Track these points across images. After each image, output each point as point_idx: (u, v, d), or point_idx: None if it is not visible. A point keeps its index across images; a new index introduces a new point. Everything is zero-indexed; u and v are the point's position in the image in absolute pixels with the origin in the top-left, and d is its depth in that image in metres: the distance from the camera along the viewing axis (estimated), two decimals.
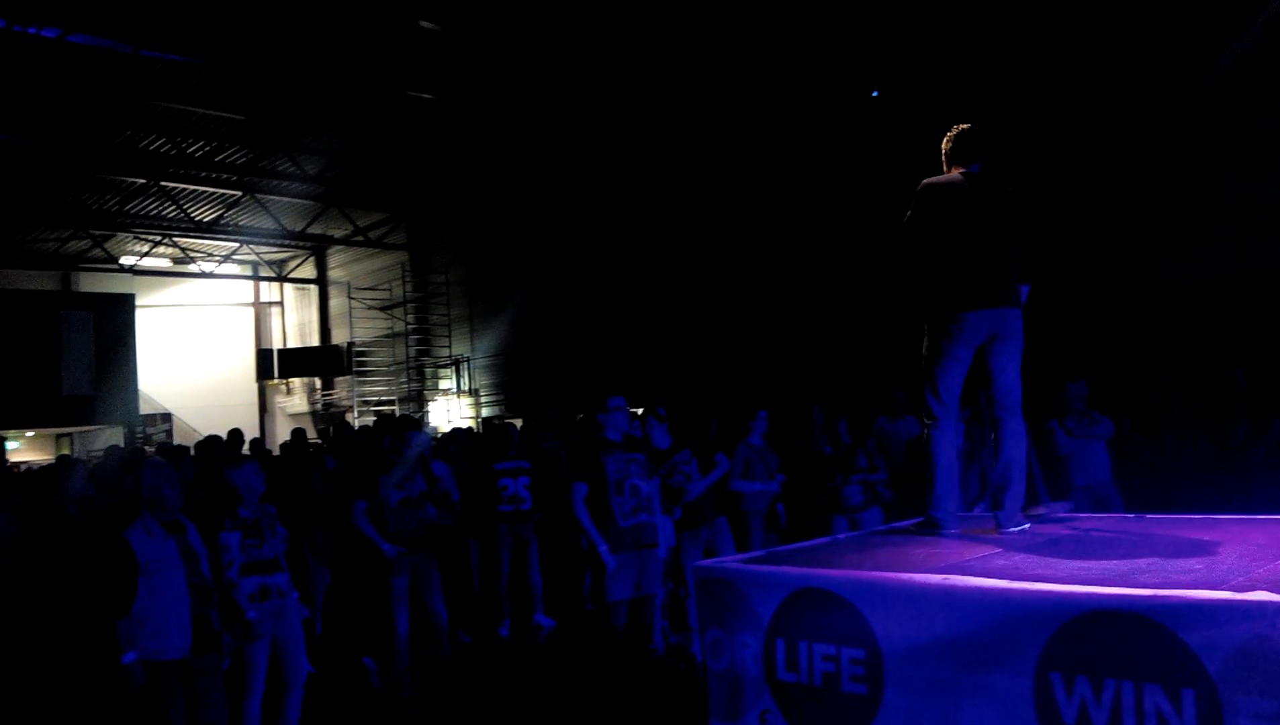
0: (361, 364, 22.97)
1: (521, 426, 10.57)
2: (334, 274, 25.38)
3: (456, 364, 20.98)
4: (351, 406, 22.52)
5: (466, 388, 20.76)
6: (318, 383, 25.18)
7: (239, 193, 20.65)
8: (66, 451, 20.60)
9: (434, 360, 21.71)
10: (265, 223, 22.29)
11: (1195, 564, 3.01)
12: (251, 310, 27.54)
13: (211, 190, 20.45)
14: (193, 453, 9.82)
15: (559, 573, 8.95)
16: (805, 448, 8.72)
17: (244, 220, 22.48)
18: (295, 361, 24.47)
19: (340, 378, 24.10)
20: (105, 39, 13.43)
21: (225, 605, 5.02)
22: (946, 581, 2.84)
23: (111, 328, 20.68)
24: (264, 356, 25.06)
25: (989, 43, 10.90)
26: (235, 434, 10.40)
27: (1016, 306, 4.21)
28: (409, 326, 22.02)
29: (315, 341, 25.49)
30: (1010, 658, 2.62)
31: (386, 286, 22.62)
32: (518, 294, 18.70)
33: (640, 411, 7.66)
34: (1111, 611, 2.46)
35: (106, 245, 22.70)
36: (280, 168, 19.29)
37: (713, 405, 10.63)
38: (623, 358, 15.70)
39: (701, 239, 14.45)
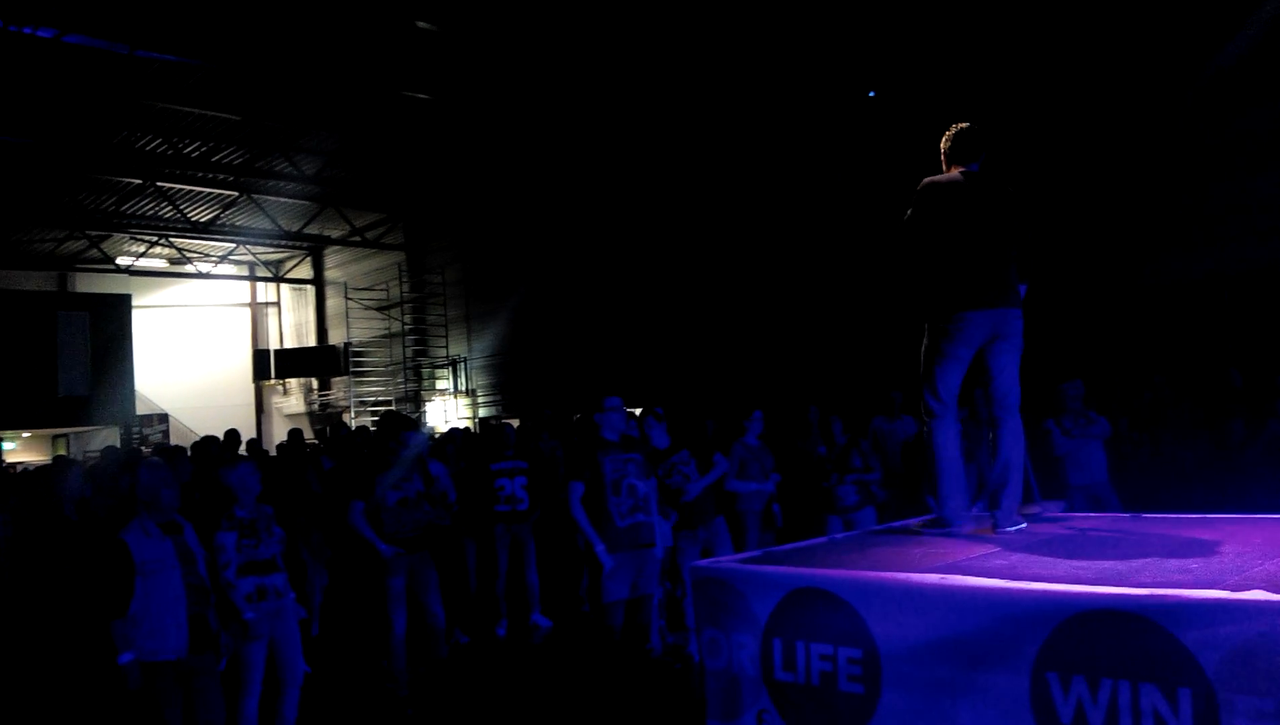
0: (358, 364, 22.95)
1: (518, 427, 10.57)
2: (331, 274, 25.35)
3: (453, 364, 20.97)
4: (348, 407, 22.50)
5: (463, 388, 20.75)
6: (314, 383, 25.16)
7: (235, 193, 20.62)
8: (63, 452, 20.57)
9: (431, 361, 21.70)
10: (262, 223, 22.26)
11: (1192, 563, 3.01)
12: (248, 310, 27.51)
13: (208, 191, 20.42)
14: (189, 453, 9.81)
15: (556, 573, 8.95)
16: (801, 448, 8.73)
17: (241, 221, 22.45)
18: (292, 362, 24.44)
19: (337, 378, 24.07)
20: (101, 39, 13.41)
21: (223, 606, 5.02)
22: (944, 581, 2.85)
23: (108, 328, 20.64)
24: (261, 357, 25.02)
25: (986, 43, 10.91)
26: (232, 434, 10.39)
27: (1017, 306, 4.21)
28: (406, 327, 22.01)
29: (312, 342, 25.45)
30: (1007, 657, 2.62)
31: (383, 287, 22.61)
32: (515, 294, 18.69)
33: (639, 412, 7.66)
34: (1108, 611, 2.46)
35: (103, 246, 22.67)
36: (277, 168, 19.27)
37: (710, 405, 10.64)
38: (620, 358, 15.70)
39: (698, 239, 14.45)
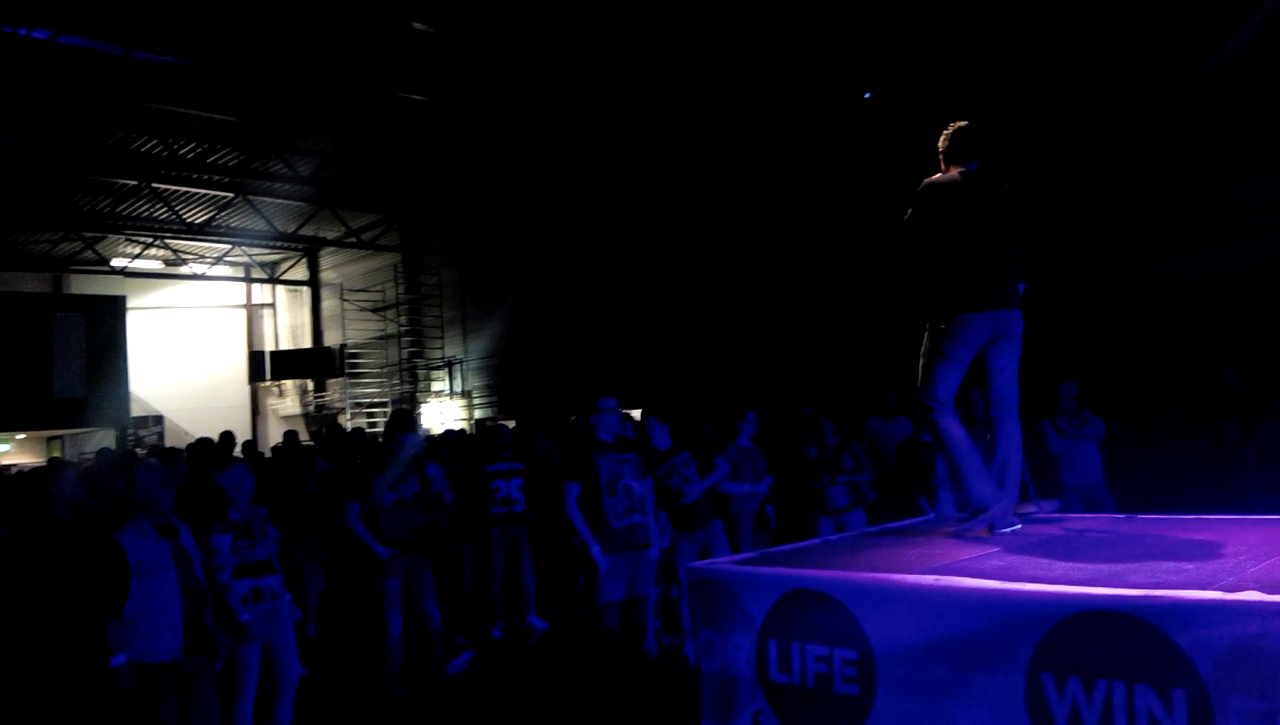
0: (354, 366, 22.92)
1: (514, 428, 10.56)
2: (326, 276, 25.32)
3: (449, 366, 20.96)
4: (344, 408, 22.47)
5: (459, 390, 20.74)
6: (310, 385, 25.12)
7: (231, 194, 20.59)
8: (58, 454, 20.54)
9: (426, 362, 21.68)
10: (257, 224, 22.22)
11: (1186, 564, 3.01)
12: (243, 312, 27.45)
13: (203, 192, 20.39)
14: (184, 455, 9.80)
15: (552, 575, 8.95)
16: (795, 449, 8.74)
17: (236, 222, 22.42)
18: (287, 363, 24.40)
19: (332, 380, 24.04)
20: (96, 40, 13.38)
21: (218, 608, 5.01)
22: (939, 582, 2.85)
23: (103, 330, 20.62)
24: (256, 358, 24.99)
25: (981, 45, 10.92)
26: (226, 436, 10.39)
27: (1018, 307, 4.21)
28: (401, 328, 21.99)
29: (307, 343, 25.42)
30: (1002, 658, 2.63)
31: (379, 288, 22.58)
32: (510, 296, 18.68)
33: (638, 413, 7.66)
34: (1103, 612, 2.46)
35: (98, 247, 22.62)
36: (272, 169, 19.25)
37: (705, 406, 10.63)
38: (615, 359, 15.70)
39: (693, 240, 14.46)
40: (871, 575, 3.13)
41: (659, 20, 12.50)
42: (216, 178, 19.50)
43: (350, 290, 23.08)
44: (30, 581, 5.90)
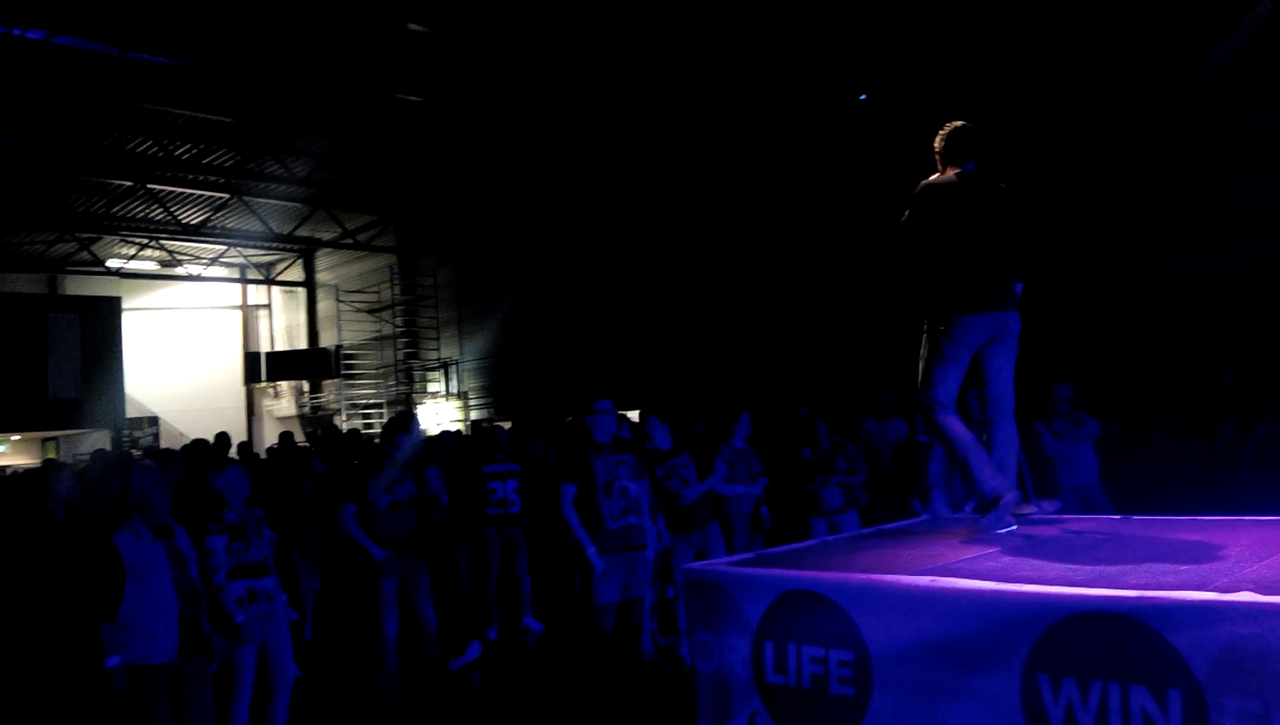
0: (350, 367, 22.90)
1: (510, 429, 10.56)
2: (322, 277, 25.30)
3: (445, 367, 20.95)
4: (340, 410, 22.45)
5: (455, 391, 20.73)
6: (305, 386, 25.10)
7: (226, 195, 20.58)
8: (52, 455, 20.48)
9: (422, 363, 21.67)
10: (253, 225, 22.21)
11: (1181, 565, 3.02)
12: (239, 313, 27.43)
13: (199, 193, 20.38)
14: (179, 456, 9.78)
15: (548, 576, 8.95)
16: (791, 450, 8.74)
17: (231, 223, 22.40)
18: (283, 364, 24.38)
19: (328, 381, 24.03)
20: (92, 41, 13.37)
21: (214, 609, 5.00)
22: (934, 583, 2.85)
23: (98, 331, 20.57)
24: (252, 359, 24.95)
25: (976, 47, 10.94)
26: (222, 437, 10.37)
27: (1015, 309, 4.21)
28: (397, 329, 21.98)
29: (303, 344, 25.40)
30: (998, 659, 2.63)
31: (375, 289, 22.57)
32: (506, 297, 18.69)
33: (634, 414, 7.66)
34: (1098, 613, 2.47)
35: (93, 248, 22.59)
36: (268, 170, 19.24)
37: (701, 407, 10.64)
38: (611, 360, 15.70)
39: (689, 241, 14.46)
40: (867, 576, 3.12)
41: (656, 21, 12.51)
42: (212, 179, 19.49)
43: (346, 291, 23.06)
44: (24, 583, 5.89)
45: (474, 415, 19.93)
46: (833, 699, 3.00)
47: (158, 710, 4.60)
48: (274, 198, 20.90)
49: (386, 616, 6.58)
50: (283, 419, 24.81)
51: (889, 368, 8.41)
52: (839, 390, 11.27)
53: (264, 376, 24.51)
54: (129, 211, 20.98)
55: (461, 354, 20.61)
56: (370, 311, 22.69)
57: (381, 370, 22.59)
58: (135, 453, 15.14)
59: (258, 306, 27.52)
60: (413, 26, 13.21)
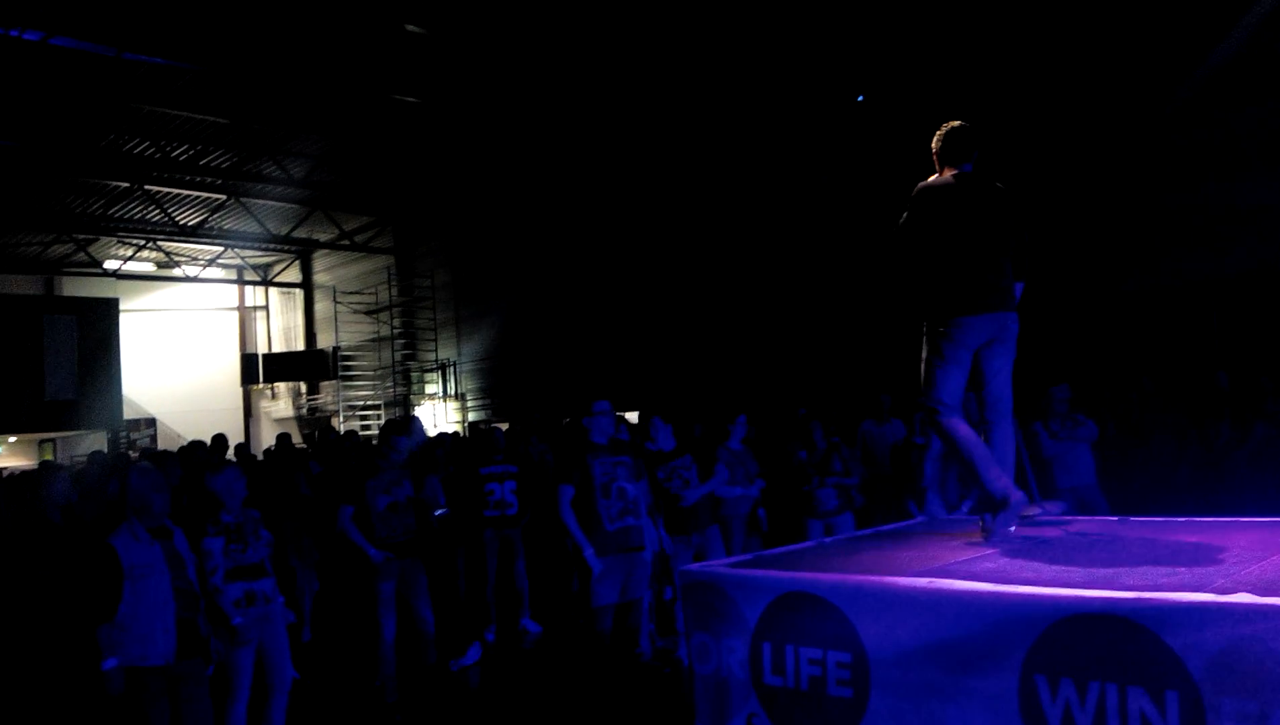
0: (347, 368, 22.89)
1: (508, 430, 10.55)
2: (319, 278, 25.28)
3: (443, 368, 20.93)
4: (337, 411, 22.44)
5: (453, 392, 20.72)
6: (303, 387, 25.09)
7: (224, 196, 20.56)
8: (49, 457, 20.46)
9: (420, 364, 21.66)
10: (250, 226, 22.20)
11: (1179, 566, 3.02)
12: (236, 314, 27.42)
13: (196, 194, 20.36)
14: (177, 458, 9.77)
15: (546, 577, 8.94)
16: (788, 451, 8.74)
17: (229, 224, 22.38)
18: (280, 366, 24.36)
19: (326, 382, 24.01)
20: (89, 42, 13.35)
21: (211, 611, 5.00)
22: (932, 585, 2.85)
23: (95, 332, 20.56)
24: (249, 361, 24.93)
25: (974, 47, 10.94)
26: (219, 439, 10.35)
27: (1014, 310, 4.21)
28: (395, 330, 21.97)
29: (300, 346, 25.38)
30: (995, 660, 2.63)
31: (372, 290, 22.55)
32: (504, 298, 18.69)
33: (632, 415, 7.66)
34: (1096, 615, 2.47)
35: (90, 249, 22.57)
36: (265, 171, 19.22)
37: (699, 409, 10.64)
38: (609, 362, 15.70)
39: (686, 242, 14.47)
40: (865, 578, 3.12)
41: (653, 23, 12.51)
42: (209, 180, 19.47)
43: (343, 292, 23.04)
44: (21, 585, 5.88)
45: (472, 416, 19.93)
46: (831, 700, 3.00)
47: (155, 712, 4.60)
48: (271, 199, 20.88)
49: (384, 618, 6.57)
50: (280, 420, 24.79)
51: (887, 369, 8.42)
52: (837, 391, 11.27)
53: (261, 378, 24.49)
54: (126, 213, 20.95)
55: (459, 355, 20.61)
56: (368, 313, 22.67)
57: (379, 371, 22.58)
58: (132, 454, 15.13)
59: (255, 308, 27.51)
60: (410, 28, 13.20)
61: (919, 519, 5.25)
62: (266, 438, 22.39)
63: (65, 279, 23.76)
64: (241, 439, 22.73)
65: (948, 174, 4.29)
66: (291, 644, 5.53)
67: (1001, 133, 9.60)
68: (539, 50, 13.57)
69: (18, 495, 7.07)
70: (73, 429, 20.87)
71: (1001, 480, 4.03)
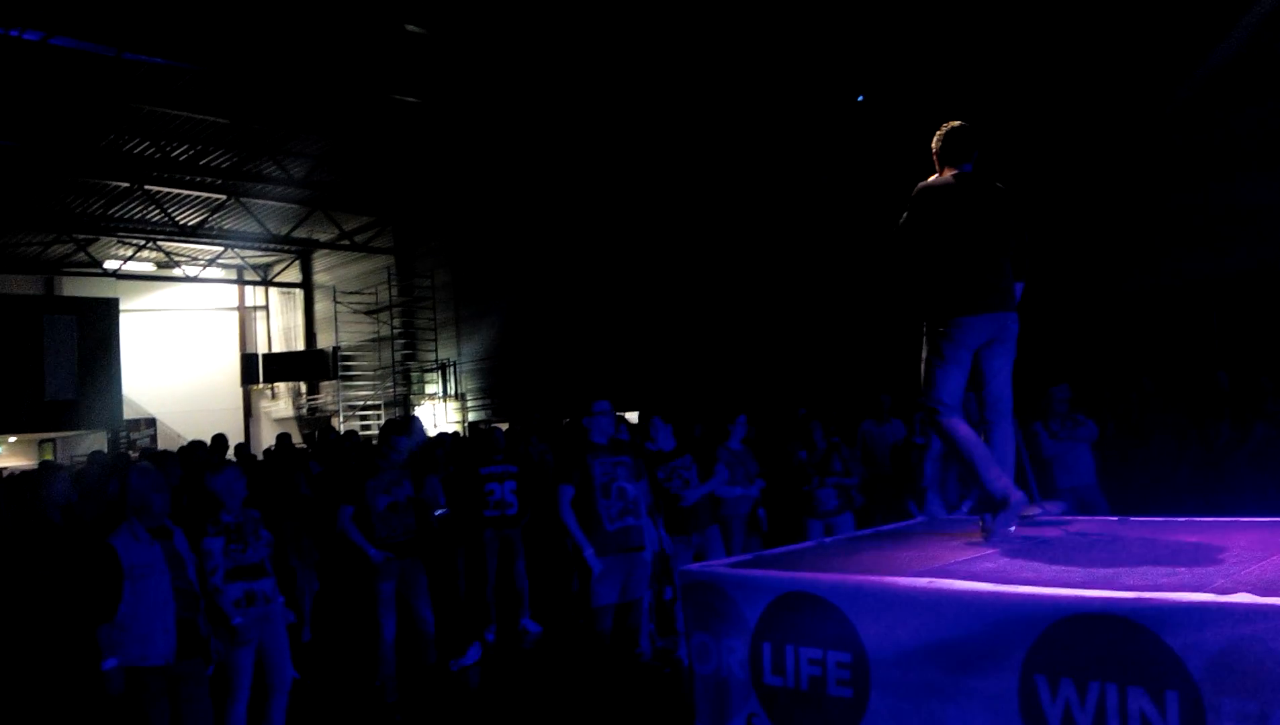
0: (347, 368, 22.89)
1: (508, 431, 10.55)
2: (319, 278, 25.28)
3: (443, 368, 20.93)
4: (337, 411, 22.44)
5: (453, 392, 20.72)
6: (303, 387, 25.08)
7: (224, 196, 20.56)
8: (49, 457, 20.46)
9: (420, 364, 21.66)
10: (250, 226, 22.20)
11: (1179, 566, 3.02)
12: (236, 314, 27.42)
13: (196, 194, 20.36)
14: (177, 458, 9.77)
15: (546, 577, 8.94)
16: (788, 451, 8.74)
17: (229, 224, 22.38)
18: (280, 366, 24.36)
19: (326, 382, 24.01)
20: (89, 42, 13.35)
21: (211, 611, 5.00)
22: (932, 585, 2.85)
23: (95, 332, 20.56)
24: (249, 361, 24.93)
25: (974, 47, 10.94)
26: (219, 439, 10.35)
27: (1014, 310, 4.21)
28: (395, 330, 21.96)
29: (300, 346, 25.38)
30: (995, 660, 2.63)
31: (372, 290, 22.55)
32: (504, 298, 18.69)
33: (632, 415, 7.66)
34: (1096, 615, 2.47)
35: (90, 249, 22.57)
36: (265, 171, 19.22)
37: (698, 409, 10.64)
38: (609, 362, 15.70)
39: (686, 243, 14.46)
40: (865, 578, 3.12)
41: (653, 23, 12.51)
42: (209, 180, 19.47)
43: (343, 292, 23.04)
44: (21, 585, 5.88)
45: (472, 416, 19.93)
46: (831, 700, 3.00)
47: (155, 712, 4.60)
48: (271, 199, 20.88)
49: (384, 618, 6.58)
50: (280, 420, 24.79)
51: (887, 369, 8.42)
52: (837, 391, 11.27)
53: (261, 378, 24.49)
54: (126, 213, 20.95)
55: (459, 355, 20.61)
56: (368, 313, 22.67)
57: (379, 371, 22.57)
58: (132, 454, 15.13)
59: (255, 308, 27.51)
60: (410, 28, 13.20)
61: (919, 519, 5.25)
62: (266, 438, 22.39)
63: (65, 279, 23.76)
64: (241, 439, 22.73)
65: (948, 174, 4.29)
66: (291, 644, 5.53)
67: (1001, 133, 9.61)
68: (539, 50, 13.57)
69: (18, 495, 7.07)
70: (73, 429, 20.86)
71: (1001, 480, 4.04)
